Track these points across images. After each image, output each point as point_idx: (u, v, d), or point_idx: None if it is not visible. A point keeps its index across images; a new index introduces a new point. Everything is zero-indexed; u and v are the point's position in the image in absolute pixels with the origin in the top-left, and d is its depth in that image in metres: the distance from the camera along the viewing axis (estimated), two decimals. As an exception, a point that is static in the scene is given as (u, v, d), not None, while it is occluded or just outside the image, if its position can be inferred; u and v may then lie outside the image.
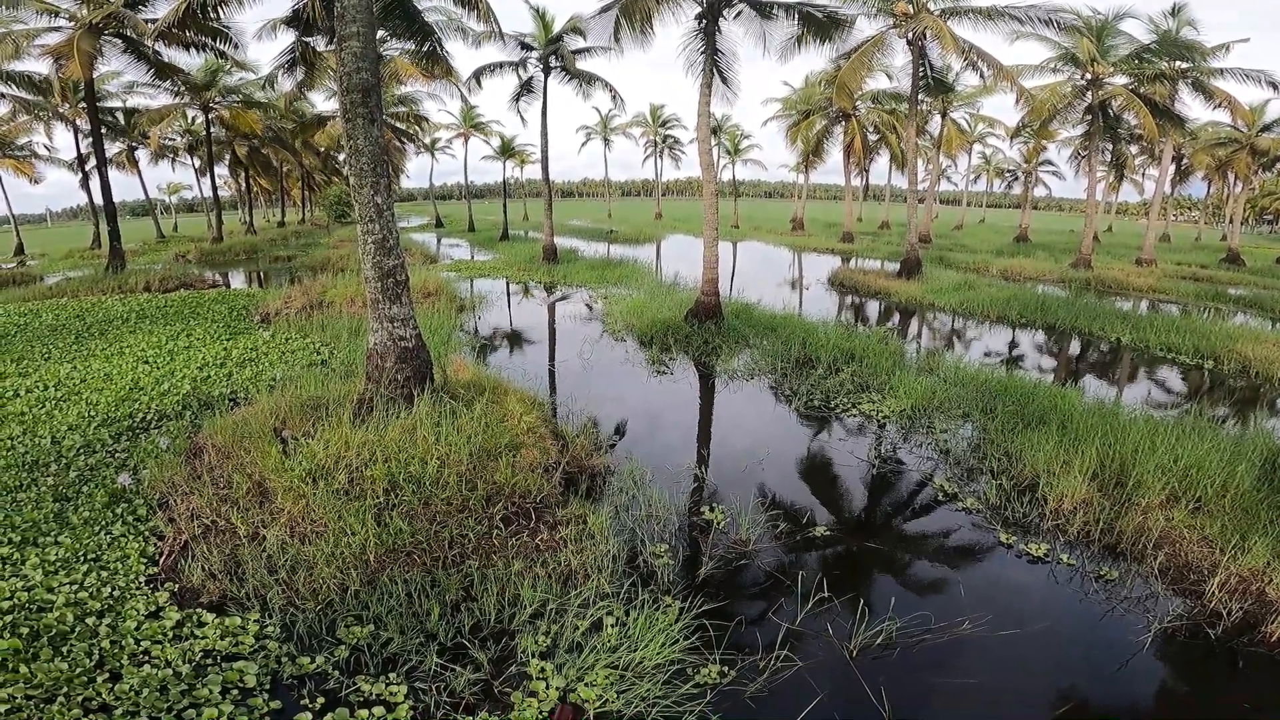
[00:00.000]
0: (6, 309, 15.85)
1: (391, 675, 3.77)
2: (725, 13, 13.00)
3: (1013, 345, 13.99)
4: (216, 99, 31.10)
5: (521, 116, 25.64)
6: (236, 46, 20.04)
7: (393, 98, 29.23)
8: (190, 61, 21.83)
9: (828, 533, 5.66)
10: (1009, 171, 52.04)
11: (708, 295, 13.36)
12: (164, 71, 21.63)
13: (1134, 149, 34.76)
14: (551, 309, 16.97)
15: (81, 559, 4.98)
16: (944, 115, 36.07)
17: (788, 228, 46.28)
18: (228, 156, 40.64)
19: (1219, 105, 24.63)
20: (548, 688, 3.64)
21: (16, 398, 8.68)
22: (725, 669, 3.89)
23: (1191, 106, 27.34)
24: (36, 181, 34.30)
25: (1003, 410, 8.04)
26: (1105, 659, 4.17)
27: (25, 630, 4.02)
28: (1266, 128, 30.85)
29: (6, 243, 38.90)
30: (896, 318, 17.05)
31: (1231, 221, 33.69)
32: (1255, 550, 4.75)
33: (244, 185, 45.72)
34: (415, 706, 3.55)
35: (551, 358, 11.89)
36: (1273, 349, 11.74)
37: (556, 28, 22.30)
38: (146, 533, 5.39)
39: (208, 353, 10.78)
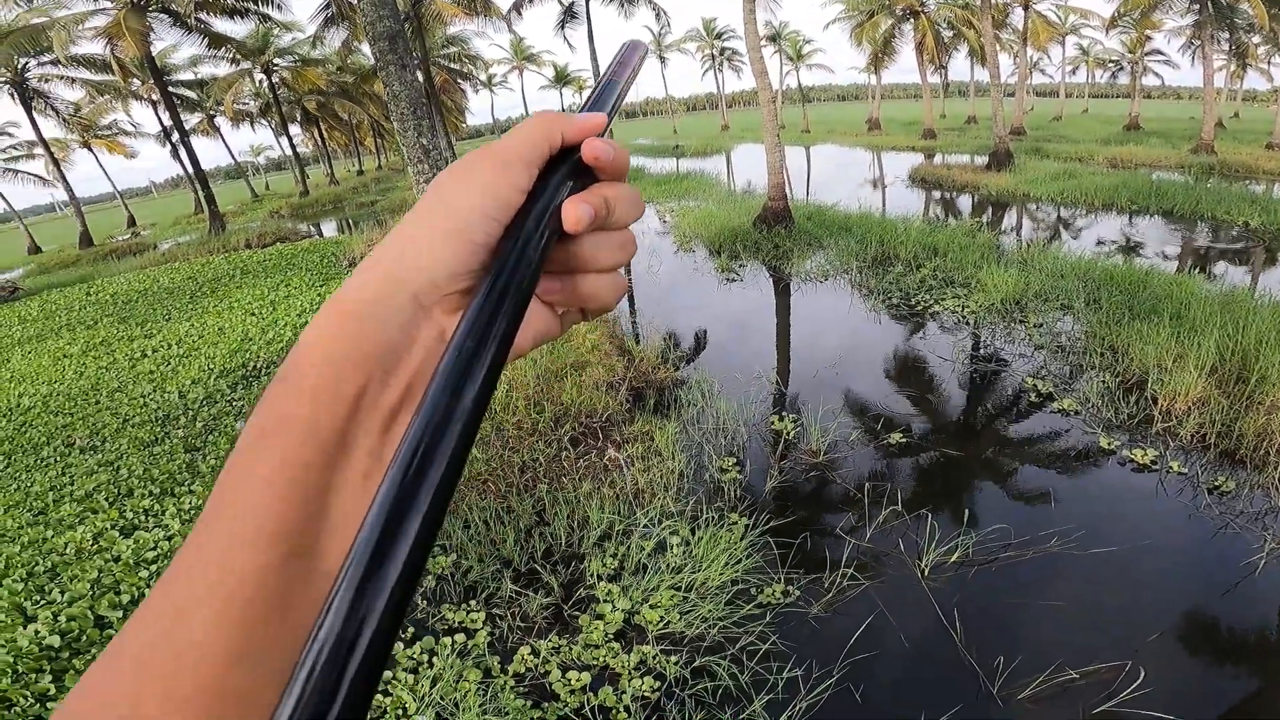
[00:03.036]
0: (128, 277, 17.42)
1: (472, 603, 3.96)
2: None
3: (1123, 234, 12.71)
4: (275, 61, 31.76)
5: (569, 43, 24.90)
6: (279, 8, 20.23)
7: (441, 40, 28.90)
8: (240, 29, 22.31)
9: (904, 440, 5.45)
10: (1112, 62, 45.87)
11: (774, 200, 12.88)
12: (217, 41, 22.23)
13: (1256, 38, 29.64)
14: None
15: None
16: (1026, 6, 31.89)
17: (863, 129, 43.21)
18: (299, 115, 41.85)
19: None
20: (614, 610, 3.75)
21: (144, 358, 9.60)
22: (788, 588, 3.86)
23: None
24: (131, 156, 36.64)
25: (1109, 301, 7.39)
26: (1211, 582, 3.79)
27: None
28: None
29: (119, 217, 42.24)
30: (988, 212, 15.79)
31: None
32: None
33: (320, 140, 47.19)
34: (493, 632, 3.74)
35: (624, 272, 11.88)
36: None
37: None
38: None
39: (304, 300, 11.48)
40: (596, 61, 23.46)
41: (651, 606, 3.75)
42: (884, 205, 16.79)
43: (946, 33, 32.99)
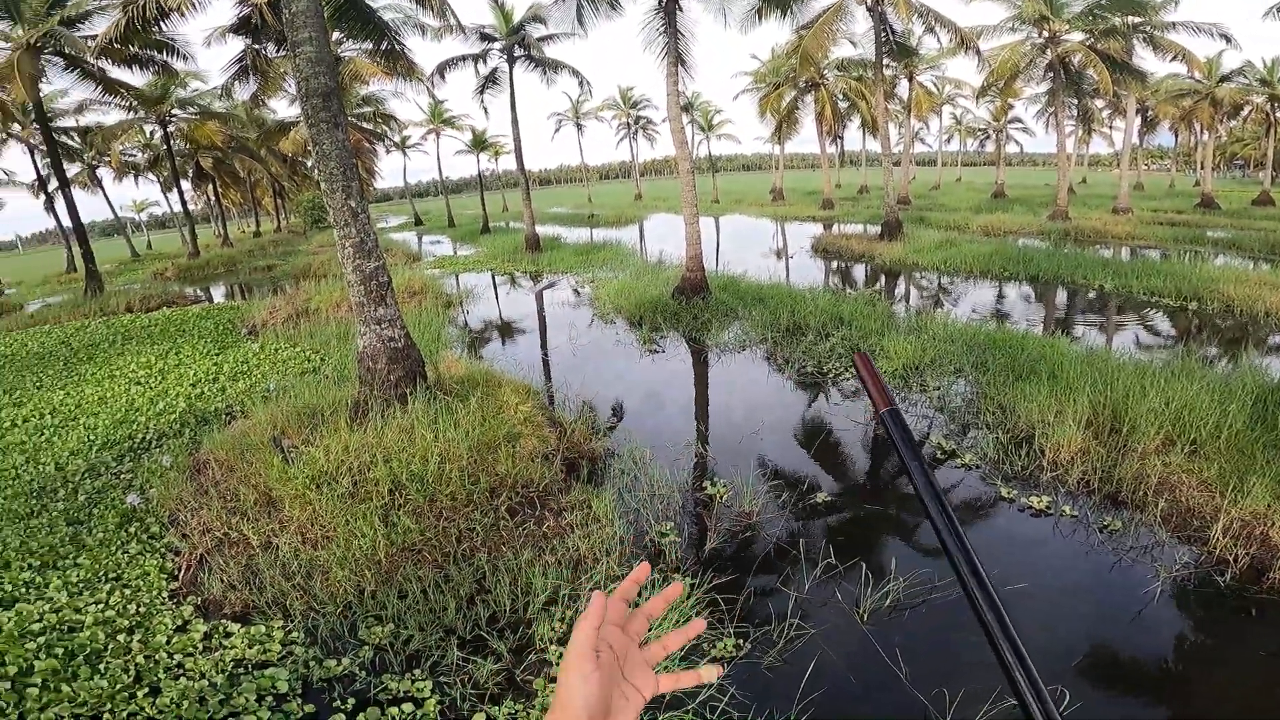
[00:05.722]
0: (-13, 341, 15.62)
1: (416, 671, 3.82)
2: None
3: (998, 299, 14.13)
4: (172, 112, 30.44)
5: (485, 109, 25.39)
6: (186, 59, 19.59)
7: (356, 98, 28.77)
8: (141, 77, 21.33)
9: (829, 499, 5.74)
10: (980, 130, 52.13)
11: (692, 271, 13.39)
12: (112, 87, 21.09)
13: (1099, 103, 34.93)
14: (539, 297, 16.93)
15: (103, 579, 5.00)
16: (911, 79, 35.98)
17: (768, 199, 46.23)
18: (192, 170, 39.93)
19: (1174, 58, 24.70)
20: None
21: (14, 427, 8.62)
22: (740, 641, 3.95)
23: (1149, 60, 27.38)
24: (-2, 208, 33.47)
25: (994, 364, 8.14)
26: (1116, 611, 4.22)
27: (60, 650, 4.05)
28: (1225, 78, 31.06)
29: (-22, 273, 38.11)
30: (882, 280, 17.15)
31: (1203, 168, 34.03)
32: (1255, 493, 4.73)
33: (214, 198, 44.97)
34: (442, 700, 3.60)
35: (543, 345, 11.90)
36: (1254, 288, 11.91)
37: (517, 17, 21.97)
38: (163, 549, 5.41)
39: (199, 369, 10.70)
40: (517, 127, 23.93)
41: (608, 666, 3.68)
42: (789, 275, 17.88)
43: (843, 104, 36.30)
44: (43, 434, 8.28)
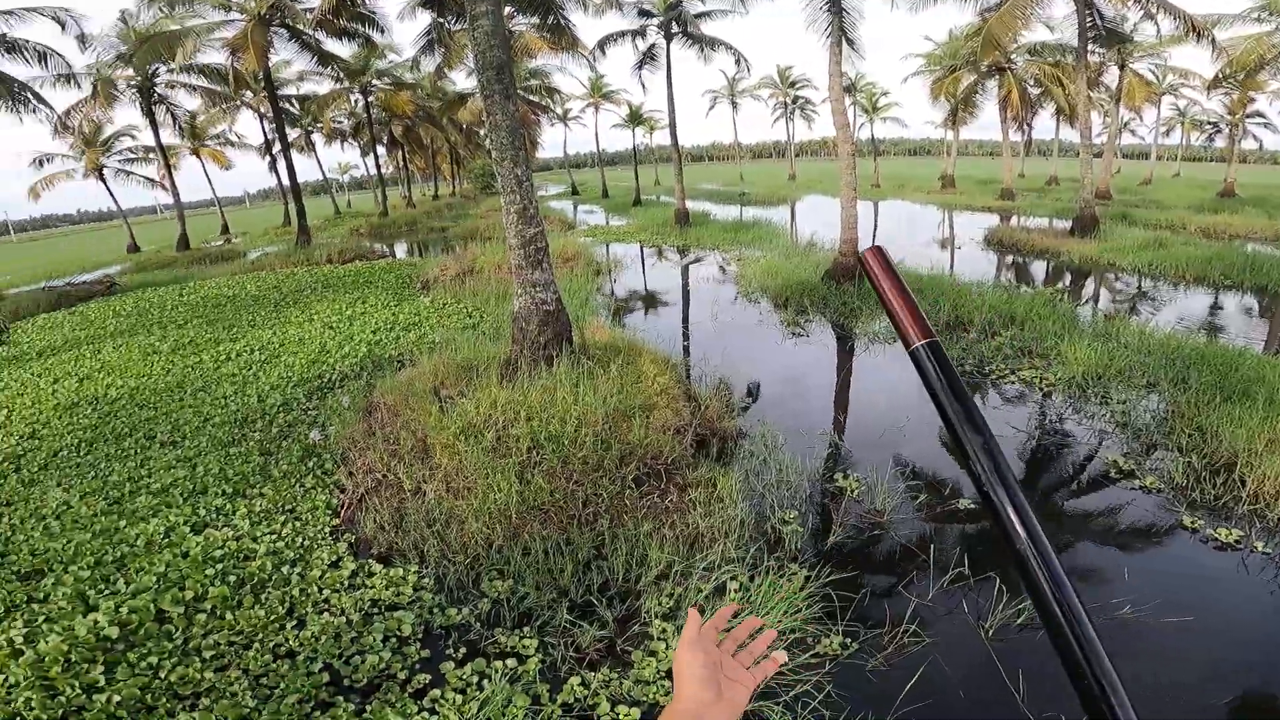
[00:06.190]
0: (218, 282, 18.57)
1: (525, 629, 3.98)
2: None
3: (1213, 310, 12.12)
4: (371, 82, 33.83)
5: (642, 85, 25.51)
6: (383, 31, 21.77)
7: (524, 72, 30.26)
8: (348, 48, 24.05)
9: (973, 507, 5.30)
10: (1209, 124, 44.19)
11: (846, 255, 12.81)
12: (325, 58, 23.86)
13: None
14: (685, 271, 17.03)
15: (280, 510, 5.49)
16: (1122, 67, 31.19)
17: (936, 185, 42.73)
18: (386, 137, 44.24)
19: None
20: (667, 648, 3.72)
21: (229, 361, 10.09)
22: (848, 641, 3.81)
23: None
24: (228, 168, 39.15)
25: (1198, 381, 7.05)
26: None
27: (233, 578, 4.54)
28: None
29: (214, 224, 45.14)
30: (1067, 279, 15.33)
31: None
32: None
33: (402, 163, 49.69)
34: (544, 659, 3.75)
35: (685, 320, 11.99)
36: None
37: (674, -9, 21.83)
38: (331, 486, 5.87)
39: (379, 318, 11.99)
40: (672, 104, 24.02)
41: (705, 648, 3.70)
42: (956, 267, 16.52)
43: (1033, 90, 32.49)
44: (250, 368, 9.57)
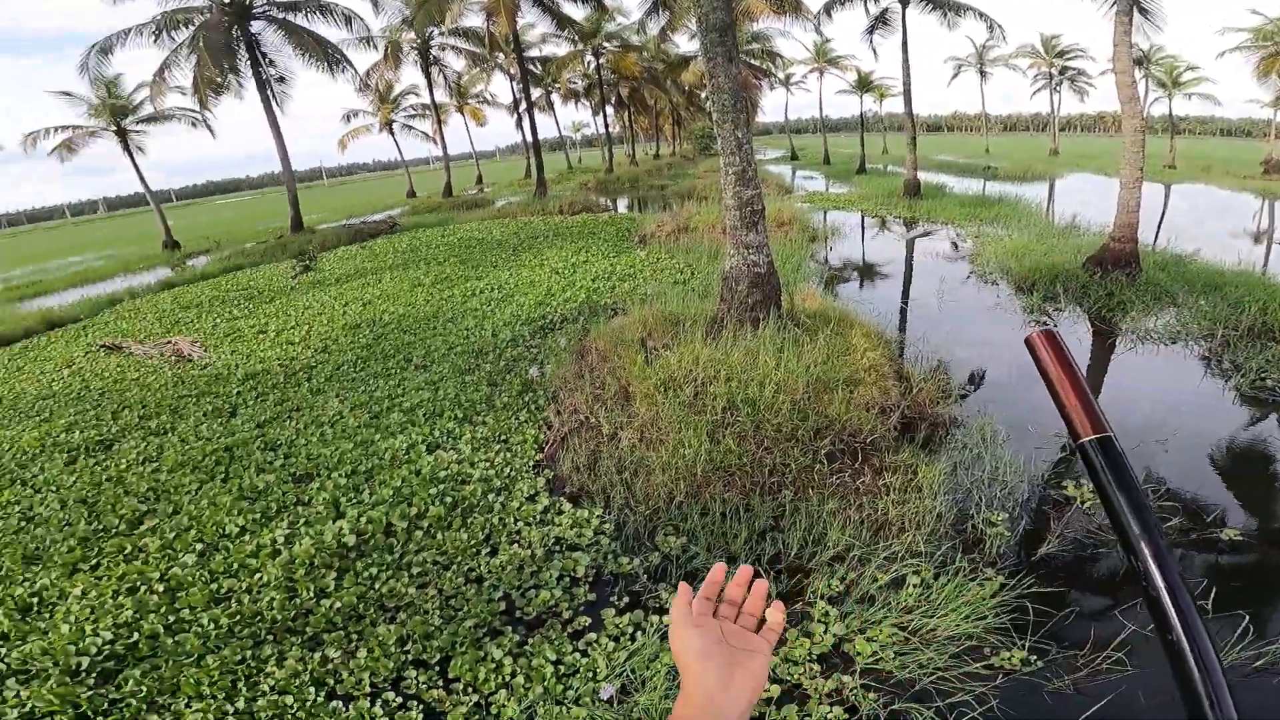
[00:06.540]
0: (470, 226, 21.08)
1: None
2: None
3: None
4: (602, 44, 35.37)
5: (874, 50, 23.44)
6: None
7: (746, 36, 29.50)
8: (581, 11, 25.42)
9: (1239, 537, 4.32)
10: None
11: (1120, 241, 10.82)
12: (563, 21, 25.43)
13: None
14: (910, 245, 15.73)
15: (496, 439, 5.83)
16: None
17: (1255, 170, 34.18)
18: (614, 97, 46.20)
19: None
20: (826, 632, 3.55)
21: (473, 297, 11.44)
22: (1032, 657, 3.37)
23: None
24: (483, 124, 43.75)
25: None
26: None
27: (449, 500, 4.84)
28: None
29: (471, 175, 51.03)
30: None
31: None
32: None
33: (628, 122, 51.72)
34: None
35: (905, 295, 11.12)
36: None
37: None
38: (541, 421, 6.16)
39: (599, 267, 12.77)
40: (908, 71, 21.86)
41: (868, 639, 3.51)
42: (1269, 263, 13.23)
43: None
44: (489, 305, 10.74)
